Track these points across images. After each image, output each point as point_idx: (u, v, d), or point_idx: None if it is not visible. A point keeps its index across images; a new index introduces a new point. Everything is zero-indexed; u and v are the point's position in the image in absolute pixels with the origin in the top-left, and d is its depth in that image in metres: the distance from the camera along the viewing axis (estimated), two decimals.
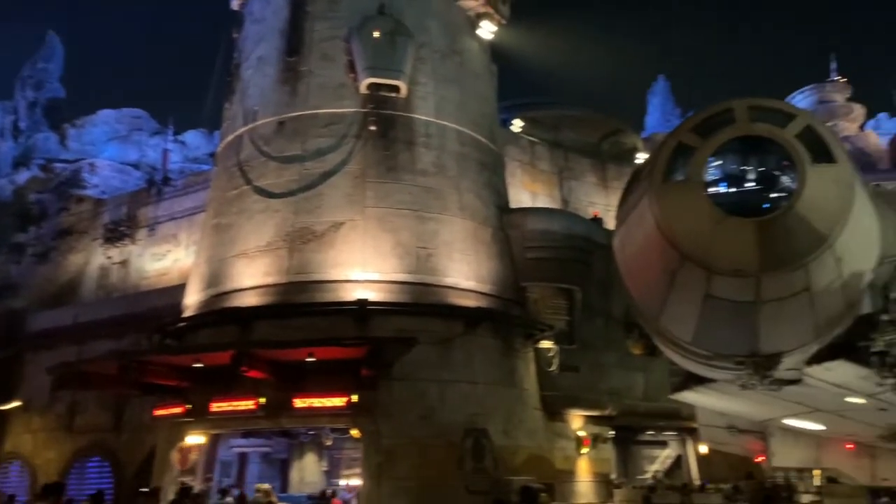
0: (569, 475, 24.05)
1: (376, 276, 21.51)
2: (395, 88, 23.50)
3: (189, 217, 33.55)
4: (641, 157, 34.72)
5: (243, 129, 24.43)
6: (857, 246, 8.87)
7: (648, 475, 30.32)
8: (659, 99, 72.60)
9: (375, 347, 19.03)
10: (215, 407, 19.93)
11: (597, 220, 30.30)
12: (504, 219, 25.59)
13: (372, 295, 20.96)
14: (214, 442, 22.26)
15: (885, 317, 9.40)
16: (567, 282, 25.56)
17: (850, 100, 56.87)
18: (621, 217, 10.74)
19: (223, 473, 24.03)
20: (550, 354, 24.51)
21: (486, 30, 27.60)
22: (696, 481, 28.83)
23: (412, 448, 19.92)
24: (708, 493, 24.64)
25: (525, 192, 33.05)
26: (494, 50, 29.02)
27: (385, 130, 23.32)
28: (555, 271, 25.58)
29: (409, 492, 19.29)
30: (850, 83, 56.40)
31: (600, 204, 34.94)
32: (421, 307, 21.36)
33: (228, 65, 27.08)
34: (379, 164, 23.00)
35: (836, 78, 57.03)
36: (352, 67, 23.58)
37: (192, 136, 53.18)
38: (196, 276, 23.77)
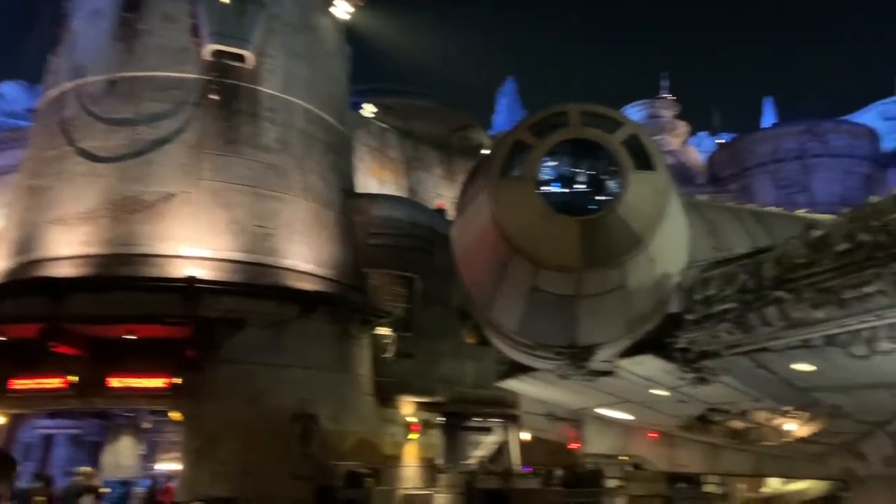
0: (396, 460, 24.31)
1: (208, 253, 20.54)
2: (242, 58, 22.53)
3: (1, 176, 30.33)
4: None
5: (69, 86, 22.43)
6: (668, 249, 9.57)
7: (473, 460, 31.26)
8: (507, 99, 74.94)
9: (202, 327, 18.20)
10: (17, 384, 18.22)
11: (441, 212, 30.78)
12: (349, 203, 25.34)
13: (202, 273, 19.98)
14: (15, 422, 20.33)
15: (689, 316, 10.19)
16: (408, 270, 25.79)
17: (676, 117, 61.67)
18: (460, 208, 10.91)
19: (25, 456, 22.00)
20: (387, 341, 24.64)
21: (342, 9, 27.12)
22: (517, 466, 30.13)
23: (236, 432, 19.26)
24: (526, 477, 25.84)
25: (372, 179, 32.92)
26: (349, 31, 28.61)
27: (227, 101, 22.28)
28: (397, 259, 25.73)
29: (229, 477, 18.65)
30: (678, 101, 61.13)
31: (446, 196, 35.50)
32: (254, 288, 20.67)
33: (56, 12, 24.69)
34: (218, 136, 21.95)
35: (665, 95, 61.55)
36: (195, 31, 22.31)
37: (10, 88, 48.29)
38: (4, 241, 21.55)
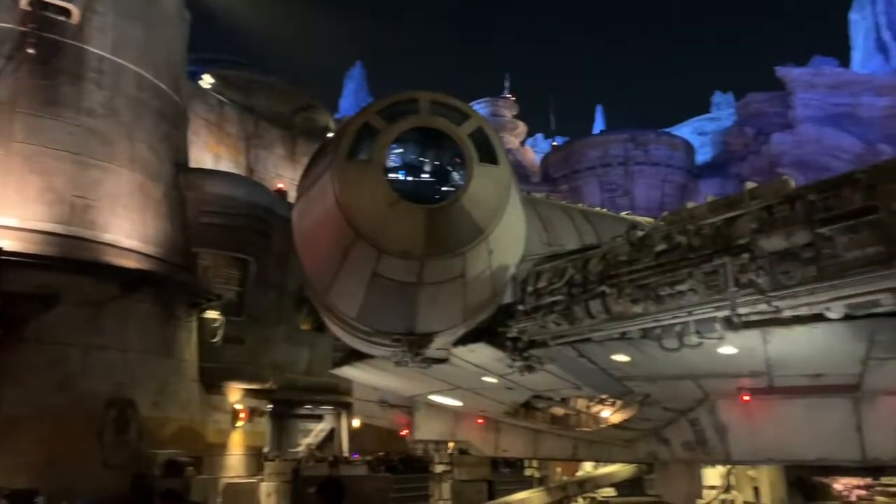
0: (221, 448, 23.41)
1: (14, 223, 18.61)
2: (66, 12, 20.56)
3: None
4: None
5: None
6: (506, 242, 9.88)
7: (302, 448, 30.82)
8: (354, 84, 74.38)
9: (5, 303, 16.44)
10: None
11: (281, 193, 29.95)
12: (181, 178, 23.95)
13: (8, 244, 18.06)
14: None
15: (521, 307, 10.59)
16: (243, 251, 24.85)
17: (516, 117, 64.18)
18: (303, 189, 10.60)
19: None
20: (216, 325, 23.61)
21: None
22: (347, 453, 30.06)
23: (41, 419, 17.67)
24: (354, 464, 25.85)
25: (208, 154, 31.38)
26: None
27: (47, 57, 20.27)
28: (231, 239, 24.69)
29: (31, 467, 17.06)
30: (518, 102, 63.63)
31: (287, 177, 34.61)
32: (69, 263, 19.02)
33: None
34: (34, 95, 19.93)
35: (507, 95, 63.85)
36: None
37: None
38: None
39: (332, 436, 32.31)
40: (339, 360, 15.16)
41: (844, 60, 59.60)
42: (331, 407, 30.93)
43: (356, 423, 29.41)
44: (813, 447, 11.02)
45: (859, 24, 60.76)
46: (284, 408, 29.58)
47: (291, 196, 27.61)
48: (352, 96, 72.36)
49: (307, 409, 31.08)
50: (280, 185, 32.41)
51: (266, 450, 27.30)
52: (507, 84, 67.30)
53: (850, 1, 61.46)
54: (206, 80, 32.77)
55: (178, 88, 24.90)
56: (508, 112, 63.57)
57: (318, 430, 32.44)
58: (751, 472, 16.56)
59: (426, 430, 17.82)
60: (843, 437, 10.71)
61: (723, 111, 67.27)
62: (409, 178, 9.68)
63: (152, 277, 20.77)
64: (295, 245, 10.70)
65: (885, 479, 17.34)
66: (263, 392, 25.88)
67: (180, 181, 23.65)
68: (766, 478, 15.81)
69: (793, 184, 8.45)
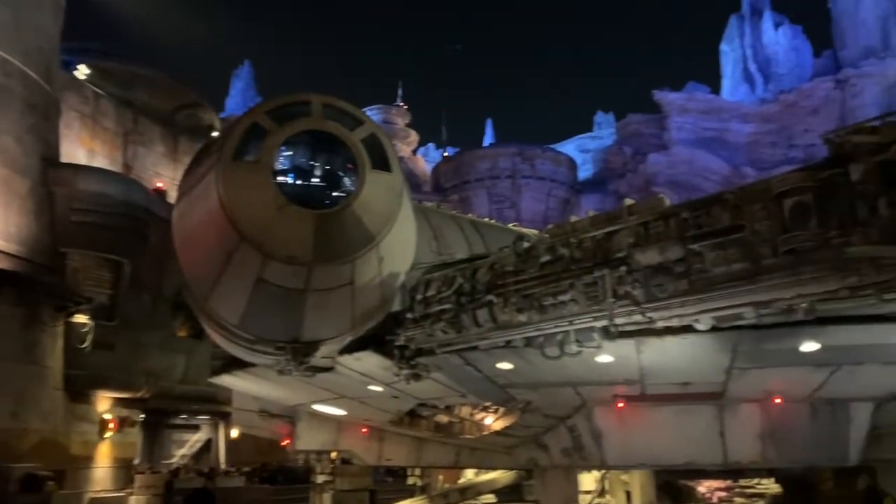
0: (87, 461, 22.04)
1: None
2: None
3: None
4: None
5: None
6: (397, 249, 9.88)
7: (176, 459, 29.50)
8: (242, 83, 72.40)
9: None
10: None
11: (160, 193, 28.65)
12: (50, 173, 22.45)
13: None
14: None
15: (409, 315, 10.61)
16: (116, 252, 23.51)
17: (408, 126, 64.46)
18: (184, 189, 10.18)
19: None
20: (85, 330, 22.20)
21: None
22: (224, 465, 29.05)
23: None
24: (232, 476, 25.02)
25: (82, 149, 29.59)
26: None
27: None
28: (104, 240, 23.29)
29: None
30: (411, 111, 63.97)
31: (167, 176, 33.15)
32: None
33: None
34: None
35: (400, 104, 64.05)
36: None
37: None
38: None
39: (208, 447, 31.14)
40: (219, 369, 14.64)
41: (716, 88, 63.84)
42: (208, 417, 29.82)
43: (235, 433, 28.48)
44: (681, 452, 11.66)
45: (729, 55, 65.24)
46: (158, 417, 28.24)
47: (172, 196, 26.46)
48: (239, 95, 70.39)
49: (182, 418, 29.82)
50: (159, 184, 31.00)
51: (137, 462, 25.96)
52: (400, 92, 67.76)
53: (721, 32, 65.97)
54: (82, 71, 30.89)
55: (50, 77, 23.34)
56: (401, 120, 63.84)
57: (194, 440, 31.18)
58: (623, 477, 17.32)
59: (308, 440, 17.49)
60: (707, 442, 11.40)
61: (604, 130, 70.39)
62: (299, 182, 9.50)
63: (13, 278, 19.31)
64: (174, 247, 10.26)
65: (743, 482, 18.58)
66: (135, 401, 24.61)
67: (49, 176, 22.15)
68: (638, 482, 16.59)
69: (667, 202, 8.95)
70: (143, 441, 27.75)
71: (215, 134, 34.55)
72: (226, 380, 14.99)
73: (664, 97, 56.39)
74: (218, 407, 25.91)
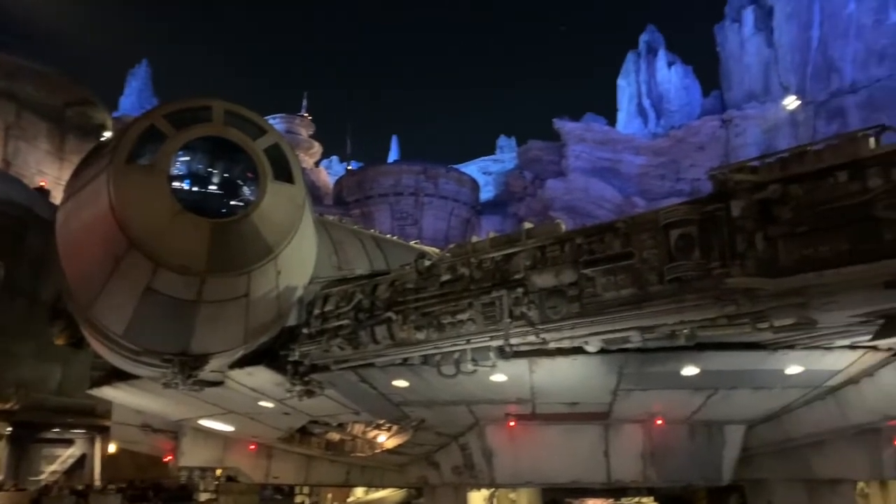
0: None
1: None
2: None
3: None
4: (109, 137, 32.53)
5: None
6: (296, 263, 9.73)
7: (45, 476, 27.67)
8: (139, 83, 69.49)
9: None
10: None
11: (43, 192, 27.06)
12: None
13: None
14: None
15: (305, 330, 10.44)
16: None
17: (312, 137, 63.65)
18: (72, 190, 9.66)
19: None
20: None
21: None
22: (99, 482, 27.52)
23: None
24: (107, 494, 23.73)
25: None
26: None
27: None
28: None
29: None
30: (315, 122, 63.23)
31: (52, 175, 31.36)
32: None
33: None
34: None
35: (304, 114, 63.17)
36: None
37: None
38: None
39: (82, 462, 29.36)
40: (99, 380, 13.88)
41: (612, 120, 66.57)
42: (83, 430, 28.13)
43: (112, 448, 27.00)
44: (567, 470, 11.98)
45: (625, 90, 68.23)
46: (27, 431, 26.42)
47: (56, 196, 24.98)
48: (135, 95, 67.47)
49: (55, 432, 28.00)
50: (42, 183, 29.21)
51: (0, 479, 24.16)
52: (304, 103, 66.86)
53: (619, 67, 69.05)
54: None
55: None
56: (304, 131, 62.98)
57: (67, 455, 29.30)
58: (511, 495, 17.59)
59: (192, 456, 16.82)
60: (593, 461, 11.78)
61: (506, 154, 71.95)
62: (195, 189, 9.22)
63: None
64: (56, 250, 9.69)
65: (625, 500, 19.25)
66: (2, 413, 22.95)
67: None
68: (525, 499, 16.89)
69: (564, 227, 9.27)
70: (9, 456, 25.87)
71: (107, 134, 33.09)
72: (106, 392, 14.23)
73: (563, 126, 58.35)
74: (95, 420, 24.52)
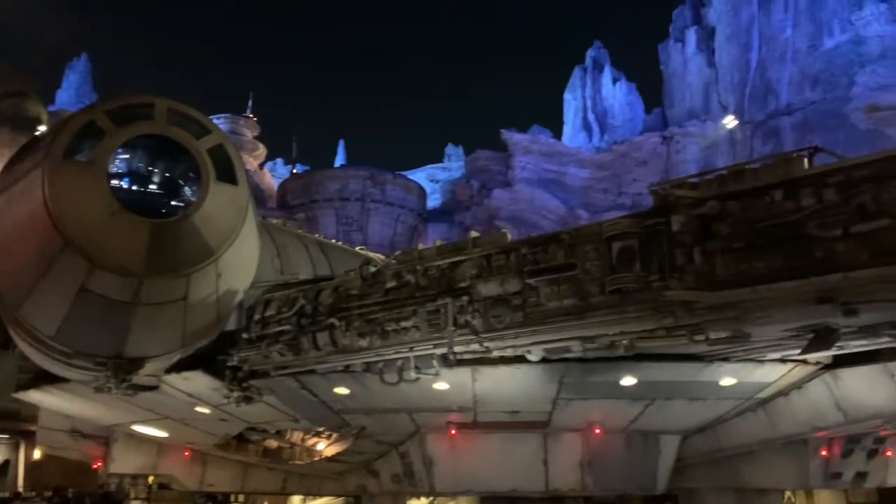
0: None
1: None
2: None
3: None
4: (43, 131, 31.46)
5: None
6: (238, 266, 9.55)
7: None
8: (78, 77, 67.40)
9: None
10: None
11: None
12: None
13: None
14: None
15: (245, 335, 10.26)
16: None
17: (257, 138, 62.67)
18: (3, 185, 9.29)
19: None
20: None
21: None
22: (23, 489, 26.43)
23: None
24: (32, 502, 22.81)
25: None
26: None
27: None
28: None
29: None
30: (260, 124, 62.27)
31: None
32: None
33: None
34: None
35: (249, 115, 62.17)
36: None
37: None
38: None
39: (5, 469, 28.14)
40: (26, 383, 13.35)
41: (558, 133, 67.64)
42: (6, 436, 26.98)
43: (38, 454, 25.94)
44: (507, 479, 12.04)
45: (571, 104, 69.44)
46: None
47: None
48: (73, 89, 65.35)
49: None
50: None
51: None
52: (250, 104, 65.86)
53: (566, 81, 70.27)
54: None
55: None
56: (249, 132, 61.94)
57: None
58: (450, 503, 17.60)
59: (124, 462, 16.33)
60: (532, 469, 11.87)
61: (454, 162, 72.21)
62: (135, 188, 8.99)
63: None
64: None
65: None
66: None
67: None
68: None
69: (509, 237, 9.35)
70: None
71: (42, 128, 31.97)
72: (33, 395, 13.70)
73: (510, 137, 58.97)
74: (20, 425, 23.52)
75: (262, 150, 62.40)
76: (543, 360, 9.07)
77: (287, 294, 10.25)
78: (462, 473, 12.12)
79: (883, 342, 8.92)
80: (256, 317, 10.33)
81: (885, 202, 6.03)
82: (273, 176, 64.98)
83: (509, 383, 9.86)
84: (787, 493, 16.51)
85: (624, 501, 17.37)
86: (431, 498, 15.98)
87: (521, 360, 9.18)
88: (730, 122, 52.50)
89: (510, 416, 11.21)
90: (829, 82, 48.51)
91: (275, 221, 15.72)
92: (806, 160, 6.71)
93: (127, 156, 8.90)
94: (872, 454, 13.51)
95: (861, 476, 13.71)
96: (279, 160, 73.88)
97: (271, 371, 10.29)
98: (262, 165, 64.24)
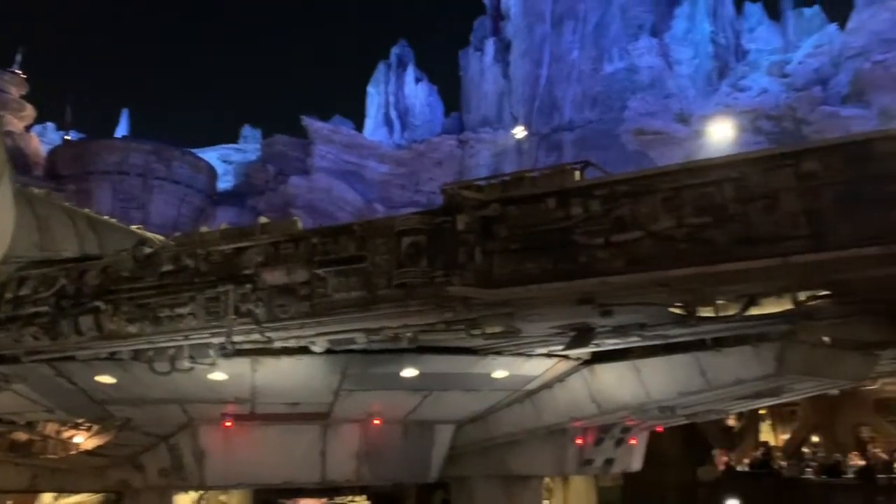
0: None
1: None
2: None
3: None
4: None
5: None
6: None
7: None
8: None
9: None
10: None
11: None
12: None
13: None
14: None
15: None
16: None
17: (24, 98, 55.87)
18: None
19: None
20: None
21: None
22: None
23: None
24: None
25: None
26: None
27: None
28: None
29: None
30: (30, 82, 55.61)
31: None
32: None
33: None
34: None
35: (17, 71, 55.33)
36: None
37: None
38: None
39: None
40: None
41: (360, 125, 67.66)
42: None
43: None
44: (281, 471, 11.85)
45: (374, 98, 69.89)
46: None
47: None
48: None
49: None
50: None
51: None
52: (18, 58, 58.43)
53: (370, 75, 70.58)
54: None
55: None
56: (16, 90, 54.89)
57: None
58: (222, 497, 17.00)
59: None
60: (308, 461, 11.78)
61: (250, 144, 69.53)
62: None
63: None
64: None
65: (338, 499, 19.57)
66: None
67: None
68: (236, 501, 16.42)
69: (301, 225, 9.19)
70: None
71: None
72: None
73: (311, 124, 58.00)
74: None
75: (30, 112, 55.67)
76: (327, 352, 9.04)
77: (46, 272, 9.28)
78: (235, 466, 11.74)
79: (632, 341, 10.02)
80: (8, 296, 9.27)
81: (640, 216, 6.73)
82: (42, 141, 58.34)
83: (291, 375, 9.71)
84: (546, 480, 17.94)
85: (399, 490, 17.87)
86: (201, 493, 15.31)
87: (304, 350, 9.08)
88: (519, 132, 55.88)
89: (290, 408, 11.05)
90: (605, 104, 53.32)
91: (38, 192, 14.12)
92: (578, 173, 7.31)
93: None
94: (619, 442, 15.11)
95: (609, 462, 15.29)
96: (50, 125, 66.60)
97: (23, 356, 9.27)
98: (28, 128, 57.42)
